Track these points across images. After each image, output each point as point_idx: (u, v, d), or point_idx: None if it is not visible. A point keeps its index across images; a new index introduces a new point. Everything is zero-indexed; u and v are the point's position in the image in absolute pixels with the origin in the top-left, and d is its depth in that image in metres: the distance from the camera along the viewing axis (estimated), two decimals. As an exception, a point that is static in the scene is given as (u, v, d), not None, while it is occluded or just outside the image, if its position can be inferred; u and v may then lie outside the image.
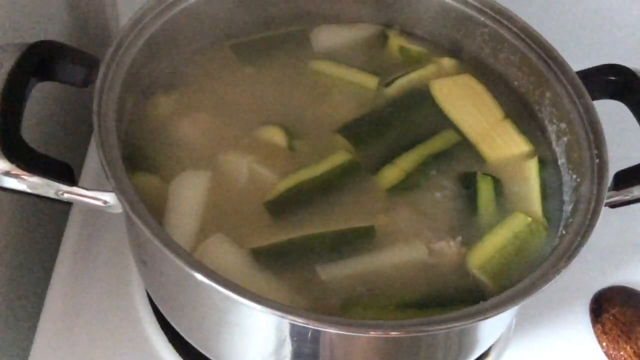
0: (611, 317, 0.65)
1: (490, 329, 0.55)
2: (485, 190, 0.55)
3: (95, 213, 0.65)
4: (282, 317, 0.42)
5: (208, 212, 0.52)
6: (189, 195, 0.53)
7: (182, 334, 0.55)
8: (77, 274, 0.63)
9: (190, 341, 0.55)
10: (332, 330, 0.44)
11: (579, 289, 0.67)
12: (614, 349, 0.64)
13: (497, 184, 0.56)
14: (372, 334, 0.44)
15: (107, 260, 0.64)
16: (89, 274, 0.63)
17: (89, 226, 0.65)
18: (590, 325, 0.66)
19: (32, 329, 0.60)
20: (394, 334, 0.43)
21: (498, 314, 0.44)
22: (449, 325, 0.43)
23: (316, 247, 0.51)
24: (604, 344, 0.64)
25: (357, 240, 0.52)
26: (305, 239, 0.51)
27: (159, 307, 0.57)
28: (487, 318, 0.44)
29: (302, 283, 0.49)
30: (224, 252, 0.50)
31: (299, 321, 0.42)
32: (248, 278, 0.48)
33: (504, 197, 0.56)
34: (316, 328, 0.43)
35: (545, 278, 0.46)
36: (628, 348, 0.63)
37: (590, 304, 0.67)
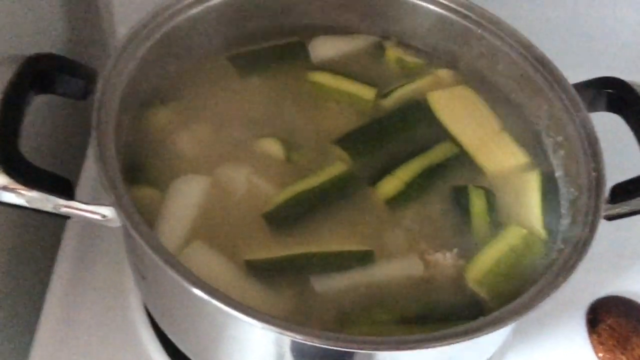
0: (607, 327, 0.65)
1: (488, 343, 0.55)
2: (477, 203, 0.55)
3: (91, 225, 0.64)
4: (280, 334, 0.42)
5: (203, 222, 0.52)
6: (184, 200, 0.53)
7: (180, 347, 0.55)
8: (74, 286, 0.62)
9: (188, 355, 0.55)
10: (340, 349, 0.44)
11: (576, 298, 0.67)
12: (610, 358, 0.64)
13: (491, 196, 0.56)
14: (384, 349, 0.43)
15: (104, 273, 0.63)
16: (86, 286, 0.62)
17: (85, 238, 0.65)
18: (586, 335, 0.66)
19: (29, 341, 0.60)
20: (405, 351, 0.43)
21: (497, 330, 0.45)
22: (447, 342, 0.43)
23: (312, 264, 0.51)
24: (600, 354, 0.64)
25: (355, 262, 0.52)
26: (301, 257, 0.51)
27: (157, 320, 0.57)
28: (485, 334, 0.44)
29: (296, 295, 0.49)
30: (204, 260, 0.50)
31: (298, 338, 0.42)
32: (232, 287, 0.48)
33: (502, 210, 0.56)
34: (318, 345, 0.43)
35: (543, 293, 0.46)
36: (624, 358, 0.64)
37: (587, 314, 0.67)
